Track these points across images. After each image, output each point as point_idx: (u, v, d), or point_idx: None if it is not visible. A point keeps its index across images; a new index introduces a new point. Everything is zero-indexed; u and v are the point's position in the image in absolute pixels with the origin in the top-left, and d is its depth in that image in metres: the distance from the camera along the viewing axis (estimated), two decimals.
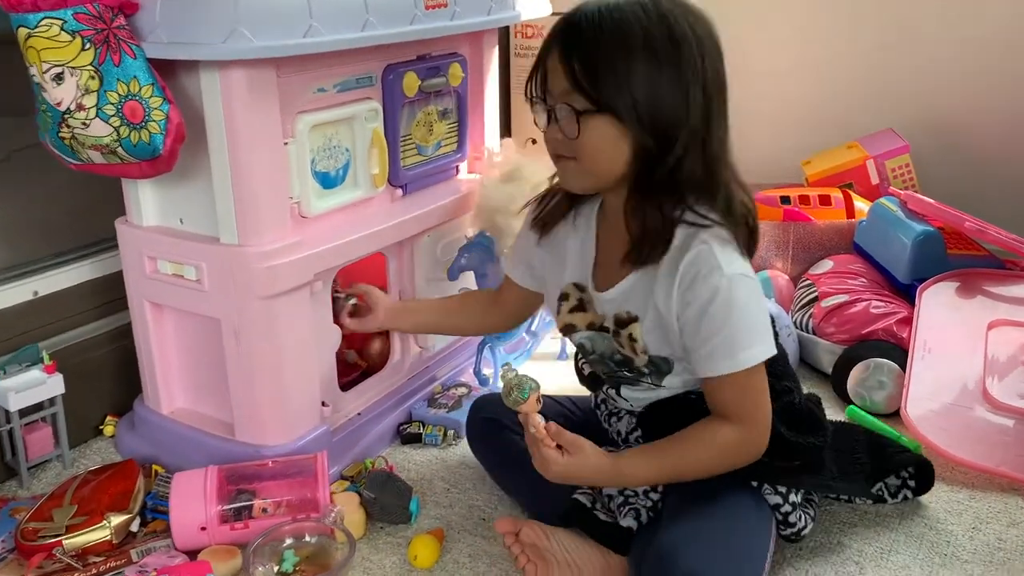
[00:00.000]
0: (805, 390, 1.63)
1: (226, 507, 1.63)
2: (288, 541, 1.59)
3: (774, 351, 1.34)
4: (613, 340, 1.47)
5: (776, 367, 1.44)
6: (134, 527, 1.67)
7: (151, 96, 1.48)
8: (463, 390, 2.15)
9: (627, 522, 1.47)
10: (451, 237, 2.15)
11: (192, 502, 1.61)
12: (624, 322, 1.43)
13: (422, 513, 1.76)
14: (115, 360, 2.05)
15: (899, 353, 2.04)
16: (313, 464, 1.69)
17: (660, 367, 1.45)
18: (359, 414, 1.99)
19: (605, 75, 1.19)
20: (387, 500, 1.71)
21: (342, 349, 1.96)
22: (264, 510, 1.66)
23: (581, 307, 1.47)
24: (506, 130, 3.02)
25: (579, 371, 1.74)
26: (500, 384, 1.40)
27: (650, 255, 1.30)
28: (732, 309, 1.27)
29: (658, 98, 1.21)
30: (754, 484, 1.48)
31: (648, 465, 1.36)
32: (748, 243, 1.32)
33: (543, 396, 1.37)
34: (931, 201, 2.24)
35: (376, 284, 2.16)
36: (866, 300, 2.20)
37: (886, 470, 1.60)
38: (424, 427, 2.03)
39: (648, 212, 1.29)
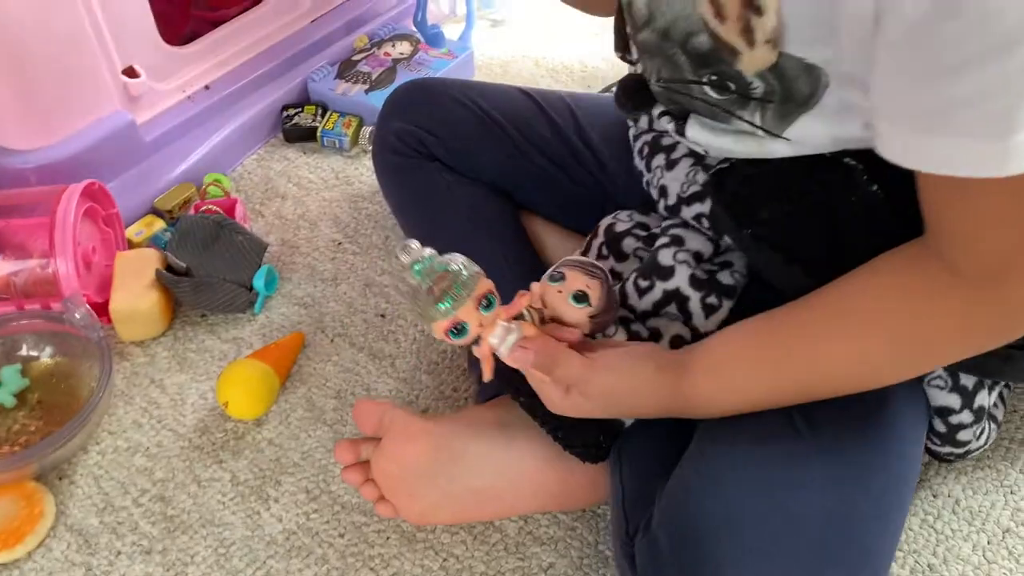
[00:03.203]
0: None
1: None
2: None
3: None
4: (706, 1, 0.57)
5: None
6: None
7: None
8: (404, 49, 1.26)
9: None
10: None
11: None
12: None
13: (279, 295, 1.00)
14: None
15: None
16: (55, 202, 0.91)
17: (792, 88, 0.58)
18: (207, 87, 1.15)
19: None
20: (210, 270, 0.94)
21: None
22: None
23: None
24: None
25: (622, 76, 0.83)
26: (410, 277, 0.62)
27: None
28: None
29: None
30: None
31: (752, 375, 0.62)
32: None
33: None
34: None
35: None
36: None
37: None
38: (324, 116, 1.19)
39: None
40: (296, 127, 1.18)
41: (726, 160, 0.69)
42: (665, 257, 0.72)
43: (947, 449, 0.74)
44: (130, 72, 1.06)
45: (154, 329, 0.94)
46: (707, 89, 0.62)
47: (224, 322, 0.96)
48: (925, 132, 0.48)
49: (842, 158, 0.61)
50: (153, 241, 1.01)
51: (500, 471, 0.73)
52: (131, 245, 1.01)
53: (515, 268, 0.85)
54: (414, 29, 1.31)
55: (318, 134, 1.17)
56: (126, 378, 0.91)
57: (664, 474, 0.65)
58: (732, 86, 0.60)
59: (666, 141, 0.77)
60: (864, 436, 0.63)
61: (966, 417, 0.70)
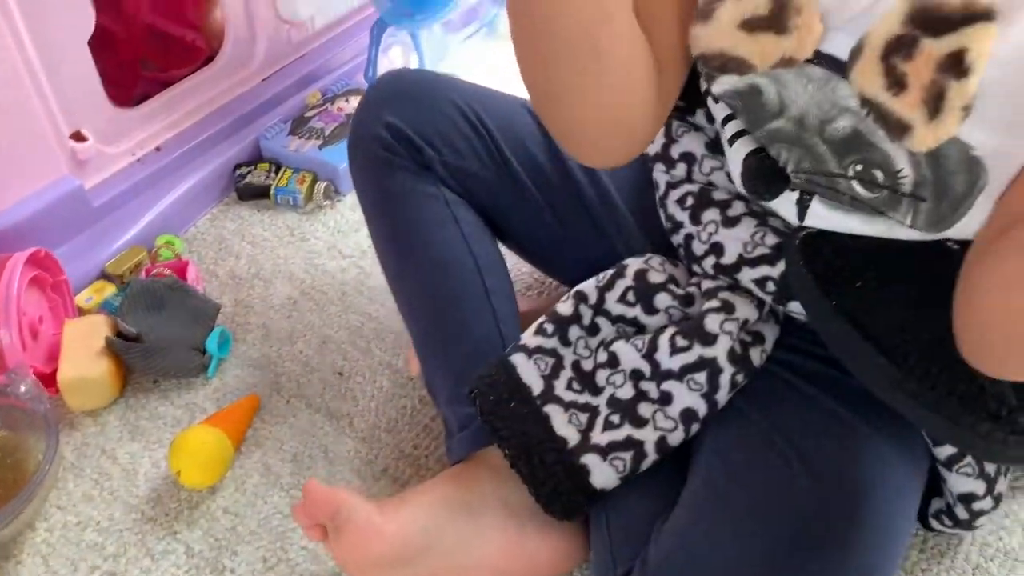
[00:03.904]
0: None
1: None
2: None
3: None
4: (870, 74, 0.53)
5: None
6: None
7: None
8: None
9: (600, 475, 0.69)
10: None
11: None
12: (951, 20, 0.49)
13: (233, 357, 0.98)
14: None
15: None
16: None
17: (946, 184, 0.56)
18: (158, 149, 1.14)
19: None
20: (161, 334, 0.92)
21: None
22: None
23: (776, 18, 0.56)
24: None
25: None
26: None
27: None
28: None
29: None
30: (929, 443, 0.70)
31: None
32: None
33: None
34: None
35: None
36: None
37: None
38: (277, 173, 1.18)
39: None
40: (249, 185, 1.17)
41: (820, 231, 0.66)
42: (712, 323, 0.69)
43: (958, 530, 0.74)
44: (78, 136, 1.04)
45: (105, 398, 0.91)
46: (855, 184, 0.59)
47: (177, 387, 0.94)
48: None
49: (945, 241, 0.59)
50: (103, 307, 0.99)
51: (466, 556, 0.70)
52: (81, 312, 0.99)
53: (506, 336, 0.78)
54: (363, 86, 1.32)
55: (272, 192, 1.16)
56: (76, 449, 0.88)
57: (653, 519, 0.66)
58: (879, 177, 0.57)
59: (719, 195, 0.73)
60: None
61: (987, 504, 0.70)
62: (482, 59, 1.52)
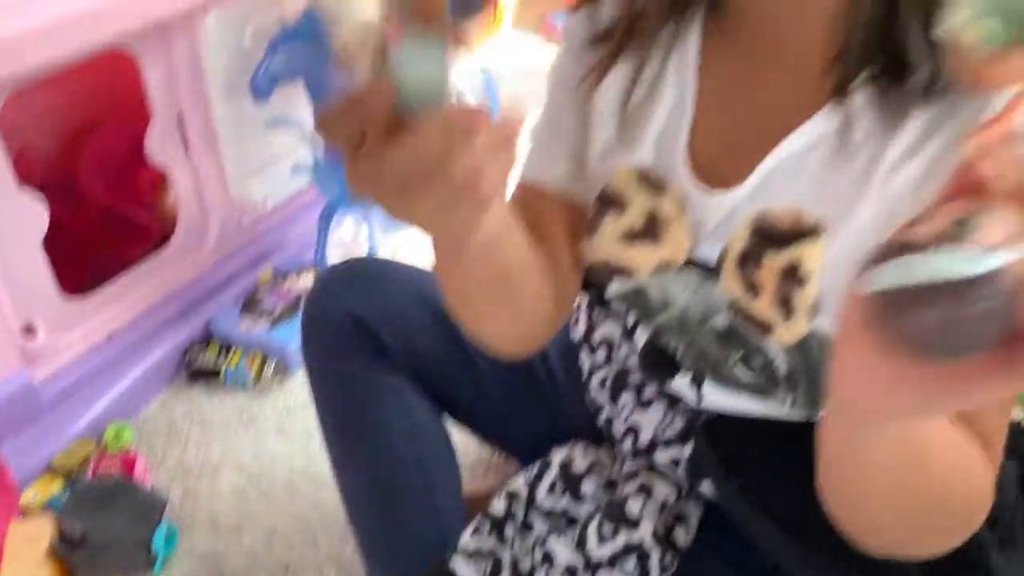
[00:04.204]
0: None
1: None
2: None
3: None
4: (732, 281, 0.60)
5: None
6: None
7: None
8: (308, 282, 1.30)
9: None
10: (263, 18, 1.21)
11: None
12: (785, 236, 0.57)
13: (179, 551, 0.98)
14: None
15: None
16: None
17: (816, 368, 0.62)
18: (109, 337, 1.16)
19: None
20: (107, 533, 0.93)
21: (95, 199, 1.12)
22: None
23: (650, 231, 0.63)
24: None
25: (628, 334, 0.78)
26: None
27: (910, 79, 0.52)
28: None
29: None
30: None
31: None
32: None
33: None
34: None
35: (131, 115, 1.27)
36: None
37: None
38: (228, 355, 1.21)
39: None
40: (200, 368, 1.19)
41: (720, 417, 0.69)
42: (634, 507, 0.71)
43: None
44: (29, 329, 1.07)
45: None
46: (737, 370, 0.64)
47: None
48: None
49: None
50: (49, 505, 0.99)
51: None
52: (26, 511, 0.99)
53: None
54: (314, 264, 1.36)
55: (222, 373, 1.19)
56: None
57: None
58: (758, 364, 0.62)
59: (634, 379, 0.76)
60: None
61: None
62: None
